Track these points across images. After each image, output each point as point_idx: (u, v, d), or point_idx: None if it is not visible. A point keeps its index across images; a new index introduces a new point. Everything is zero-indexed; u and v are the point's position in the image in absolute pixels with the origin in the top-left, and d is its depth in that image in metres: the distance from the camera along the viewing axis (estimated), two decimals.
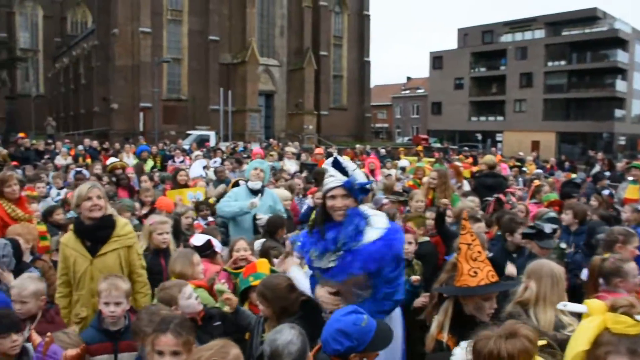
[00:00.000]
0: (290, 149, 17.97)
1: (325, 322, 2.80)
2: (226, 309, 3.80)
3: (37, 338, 2.92)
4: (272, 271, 4.31)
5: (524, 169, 16.73)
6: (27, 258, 4.80)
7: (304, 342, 2.63)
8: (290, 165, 13.83)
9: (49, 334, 2.94)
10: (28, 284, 3.63)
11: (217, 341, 2.47)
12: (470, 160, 20.85)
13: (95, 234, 4.16)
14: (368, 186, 3.45)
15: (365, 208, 3.44)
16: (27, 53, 55.29)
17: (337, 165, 3.39)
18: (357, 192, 3.34)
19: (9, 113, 35.99)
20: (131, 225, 4.54)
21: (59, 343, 2.92)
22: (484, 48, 60.62)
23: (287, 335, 2.60)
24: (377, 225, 3.32)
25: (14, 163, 13.20)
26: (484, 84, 60.66)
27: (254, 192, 6.52)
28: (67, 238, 4.24)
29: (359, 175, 3.41)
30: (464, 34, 64.34)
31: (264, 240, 5.56)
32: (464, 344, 2.33)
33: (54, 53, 60.07)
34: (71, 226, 4.35)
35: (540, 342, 2.05)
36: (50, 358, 2.78)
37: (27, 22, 58.94)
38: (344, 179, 3.32)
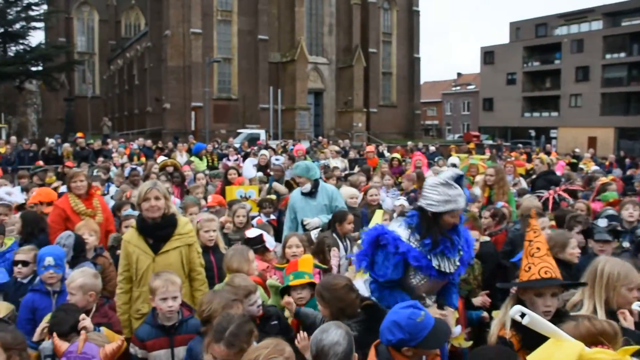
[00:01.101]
0: (334, 147, 18.04)
1: None
2: (286, 313, 3.82)
3: (61, 345, 2.93)
4: (318, 267, 4.40)
5: (581, 166, 16.18)
6: (91, 254, 4.92)
7: (350, 342, 2.60)
8: (336, 164, 13.91)
9: (83, 332, 3.00)
10: (77, 277, 3.72)
11: (271, 340, 2.49)
12: (524, 157, 20.31)
13: (157, 232, 4.21)
14: None
15: None
16: (83, 56, 57.07)
17: (459, 182, 3.48)
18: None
19: (68, 114, 37.12)
20: (191, 224, 4.55)
21: (93, 341, 2.96)
22: (537, 42, 58.93)
23: (333, 335, 2.57)
24: None
25: (69, 164, 13.51)
26: (537, 79, 59.10)
27: (307, 195, 6.44)
28: (130, 235, 4.29)
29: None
30: (517, 28, 62.75)
31: (319, 230, 5.63)
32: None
33: (108, 55, 61.74)
34: (133, 223, 4.41)
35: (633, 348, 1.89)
36: (87, 354, 2.81)
37: (84, 27, 60.74)
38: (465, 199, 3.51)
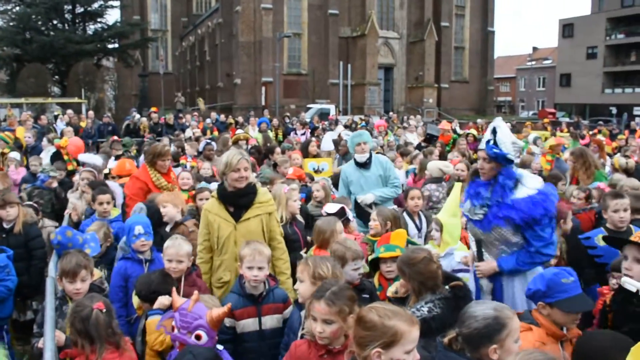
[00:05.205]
0: (411, 121, 18.13)
1: None
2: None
3: (177, 299, 2.97)
4: (410, 242, 4.42)
5: None
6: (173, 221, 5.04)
7: (489, 326, 2.43)
8: (412, 139, 13.88)
9: (195, 292, 3.01)
10: (184, 245, 3.83)
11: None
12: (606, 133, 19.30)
13: (239, 200, 4.24)
14: (509, 156, 3.59)
15: (520, 170, 3.82)
16: (157, 33, 58.42)
17: (493, 132, 3.69)
18: (499, 158, 3.60)
19: (142, 90, 38.36)
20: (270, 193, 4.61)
21: (204, 302, 2.99)
22: (623, 12, 55.41)
23: (476, 309, 2.53)
24: (530, 185, 3.65)
25: (149, 136, 13.79)
26: (621, 53, 55.83)
27: (361, 165, 6.45)
28: (211, 204, 4.36)
29: (502, 144, 3.61)
30: None
31: (373, 206, 5.76)
32: None
33: (180, 32, 63.11)
34: (214, 193, 4.45)
35: None
36: (195, 314, 2.83)
37: (157, 4, 62.20)
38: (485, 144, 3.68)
